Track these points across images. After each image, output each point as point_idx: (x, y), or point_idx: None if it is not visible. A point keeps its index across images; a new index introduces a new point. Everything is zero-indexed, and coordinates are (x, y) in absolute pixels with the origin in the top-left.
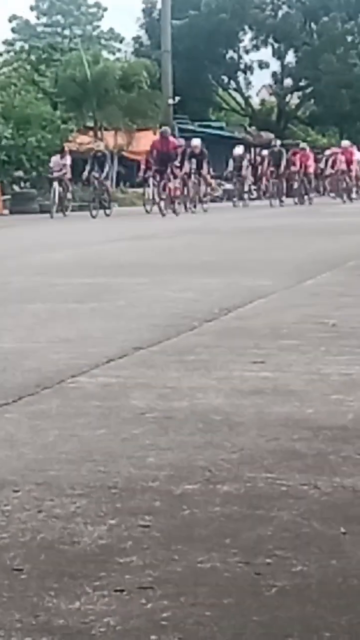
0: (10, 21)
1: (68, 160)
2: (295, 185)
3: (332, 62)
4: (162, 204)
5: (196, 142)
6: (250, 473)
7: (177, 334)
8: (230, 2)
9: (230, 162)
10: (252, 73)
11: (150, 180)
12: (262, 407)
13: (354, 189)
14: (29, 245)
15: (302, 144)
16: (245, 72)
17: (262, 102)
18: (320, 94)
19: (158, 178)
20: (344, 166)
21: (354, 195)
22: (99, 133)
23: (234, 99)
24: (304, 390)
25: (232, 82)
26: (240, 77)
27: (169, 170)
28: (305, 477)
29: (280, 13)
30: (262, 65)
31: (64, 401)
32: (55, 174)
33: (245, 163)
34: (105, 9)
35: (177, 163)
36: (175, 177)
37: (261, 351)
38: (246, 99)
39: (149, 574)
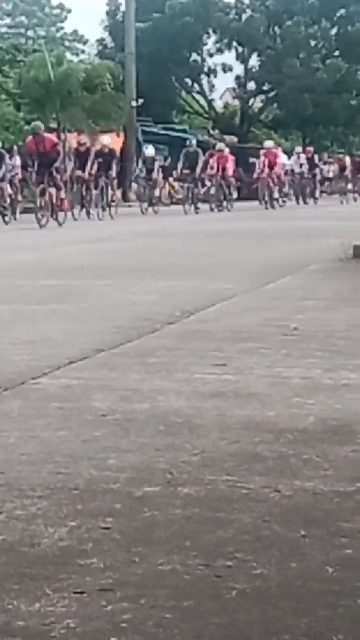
0: None
1: (18, 160)
2: (213, 190)
3: (295, 66)
4: (40, 213)
5: (106, 140)
6: (211, 476)
7: (139, 337)
8: (195, 5)
9: (140, 163)
10: (215, 76)
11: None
12: (223, 409)
13: (276, 194)
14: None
15: (219, 145)
16: (208, 75)
17: (226, 105)
18: (283, 98)
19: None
20: (266, 170)
21: (276, 202)
22: (62, 134)
23: (197, 102)
24: (265, 393)
25: (195, 85)
26: (204, 80)
27: (47, 174)
28: (266, 480)
29: (244, 17)
30: (226, 68)
31: (25, 402)
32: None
33: (157, 165)
34: (69, 11)
35: (58, 164)
36: (55, 182)
37: (222, 354)
38: (209, 102)
39: (109, 576)
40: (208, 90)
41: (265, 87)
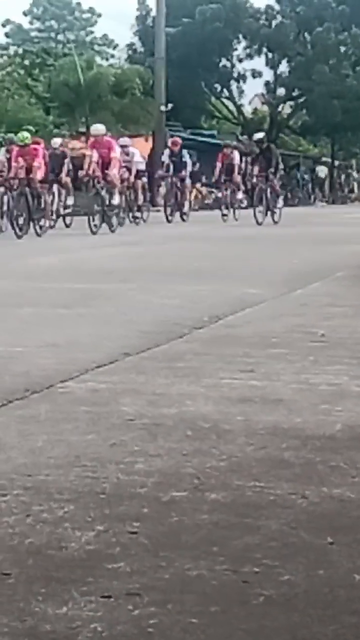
0: (4, 25)
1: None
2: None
3: (325, 73)
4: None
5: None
6: (239, 481)
7: (167, 341)
8: (225, 10)
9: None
10: (245, 82)
11: None
12: (251, 415)
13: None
14: (18, 249)
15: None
16: (238, 81)
17: (255, 111)
18: (312, 104)
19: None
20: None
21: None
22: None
23: (226, 107)
24: (293, 400)
25: (225, 90)
26: (233, 85)
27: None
28: (293, 486)
29: (274, 23)
30: (255, 74)
31: (53, 406)
32: None
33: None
34: (99, 15)
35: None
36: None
37: (250, 360)
38: (238, 108)
39: (136, 581)
40: (237, 95)
41: (294, 93)
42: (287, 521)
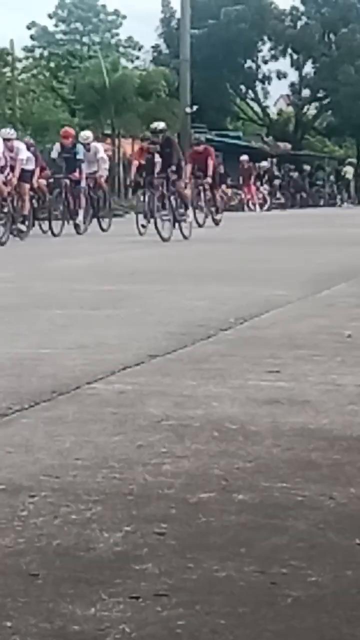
0: (29, 28)
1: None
2: None
3: (350, 74)
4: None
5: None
6: (266, 482)
7: (193, 342)
8: (250, 12)
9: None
10: (270, 83)
11: None
12: (278, 416)
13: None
14: (45, 251)
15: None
16: (263, 82)
17: (280, 112)
18: (337, 105)
19: None
20: None
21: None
22: (116, 140)
23: (251, 108)
24: (320, 401)
25: (250, 91)
26: (258, 87)
27: None
28: (320, 487)
29: (299, 24)
30: (280, 75)
31: (80, 407)
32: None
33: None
34: (124, 17)
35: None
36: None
37: (277, 361)
38: (264, 109)
39: (164, 582)
40: (262, 97)
41: (319, 94)
42: (314, 522)
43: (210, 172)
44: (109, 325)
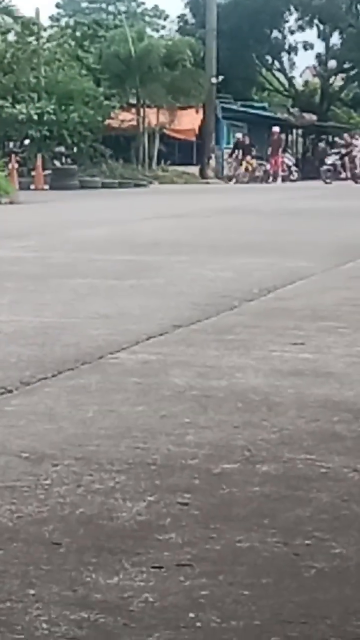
0: None
1: None
2: None
3: None
4: None
5: None
6: (290, 454)
7: (217, 313)
8: None
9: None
10: (296, 54)
11: None
12: (302, 388)
13: None
14: (69, 221)
15: None
16: (289, 53)
17: (306, 83)
18: None
19: None
20: None
21: None
22: (141, 110)
23: (277, 79)
24: (344, 373)
25: (276, 62)
26: (284, 57)
27: None
28: (344, 459)
29: None
30: (307, 46)
31: (103, 377)
32: None
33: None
34: None
35: None
36: None
37: (301, 332)
38: (289, 80)
39: (187, 552)
40: (288, 68)
41: (346, 66)
42: (338, 494)
43: None
44: (132, 296)
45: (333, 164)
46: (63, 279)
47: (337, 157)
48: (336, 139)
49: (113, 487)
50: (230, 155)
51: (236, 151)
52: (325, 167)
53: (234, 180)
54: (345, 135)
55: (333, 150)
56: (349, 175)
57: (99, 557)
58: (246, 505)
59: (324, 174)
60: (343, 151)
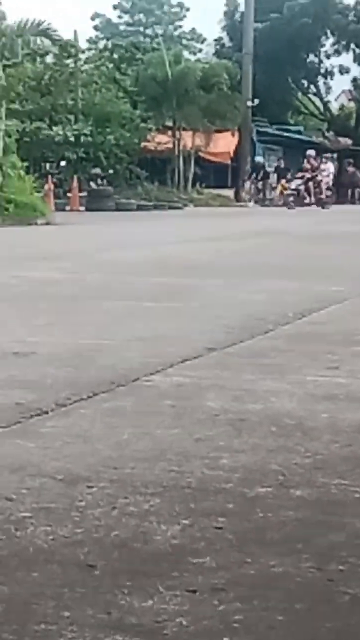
0: (93, 19)
1: None
2: None
3: None
4: None
5: None
6: (324, 479)
7: (251, 337)
8: (313, 6)
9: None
10: (332, 78)
11: None
12: (336, 412)
13: None
14: (104, 242)
15: None
16: (325, 77)
17: (341, 107)
18: None
19: None
20: None
21: None
22: (177, 133)
23: (313, 103)
24: None
25: (311, 86)
26: (320, 81)
27: None
28: None
29: None
30: (343, 70)
31: (138, 399)
32: None
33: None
34: (187, 9)
35: None
36: None
37: (335, 357)
38: (325, 104)
39: (221, 576)
40: (324, 91)
41: None
42: None
43: None
44: (167, 318)
45: (296, 189)
46: (98, 300)
47: (301, 181)
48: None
49: (147, 510)
50: (249, 177)
51: (254, 174)
52: (288, 192)
53: (252, 202)
54: (312, 159)
55: (297, 175)
56: (313, 200)
57: (134, 580)
58: (280, 530)
59: (286, 198)
60: (308, 175)
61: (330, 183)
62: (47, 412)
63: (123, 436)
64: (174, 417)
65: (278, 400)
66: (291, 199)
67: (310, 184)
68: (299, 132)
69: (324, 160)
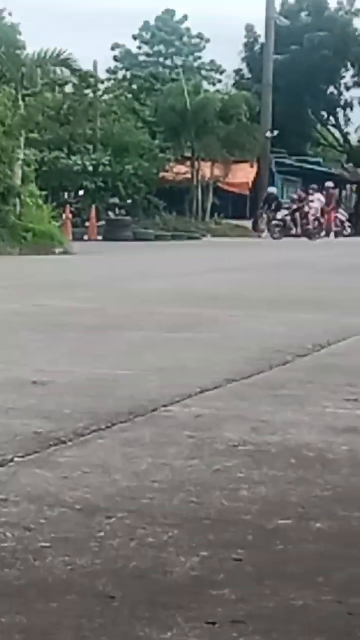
0: (112, 49)
1: None
2: None
3: None
4: None
5: None
6: (344, 511)
7: (270, 368)
8: (333, 38)
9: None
10: (351, 109)
11: None
12: (356, 445)
13: None
14: (124, 272)
15: None
16: (344, 109)
17: None
18: None
19: None
20: None
21: None
22: (195, 163)
23: (332, 134)
24: None
25: (331, 118)
26: (340, 113)
27: None
28: None
29: None
30: None
31: (157, 430)
32: None
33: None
34: (207, 41)
35: None
36: None
37: (354, 389)
38: (344, 135)
39: (241, 608)
40: (343, 123)
41: None
42: None
43: None
44: (187, 349)
45: (282, 219)
46: (119, 330)
47: (287, 212)
48: None
49: (166, 541)
50: (262, 207)
51: (267, 204)
52: (274, 222)
53: (265, 232)
54: (299, 190)
55: (284, 205)
56: (299, 231)
57: (152, 612)
58: (300, 563)
59: (272, 228)
60: (294, 206)
61: (318, 214)
62: (65, 442)
63: (141, 466)
64: (192, 447)
65: (297, 431)
66: (277, 229)
67: (297, 214)
68: (317, 164)
69: (310, 192)
